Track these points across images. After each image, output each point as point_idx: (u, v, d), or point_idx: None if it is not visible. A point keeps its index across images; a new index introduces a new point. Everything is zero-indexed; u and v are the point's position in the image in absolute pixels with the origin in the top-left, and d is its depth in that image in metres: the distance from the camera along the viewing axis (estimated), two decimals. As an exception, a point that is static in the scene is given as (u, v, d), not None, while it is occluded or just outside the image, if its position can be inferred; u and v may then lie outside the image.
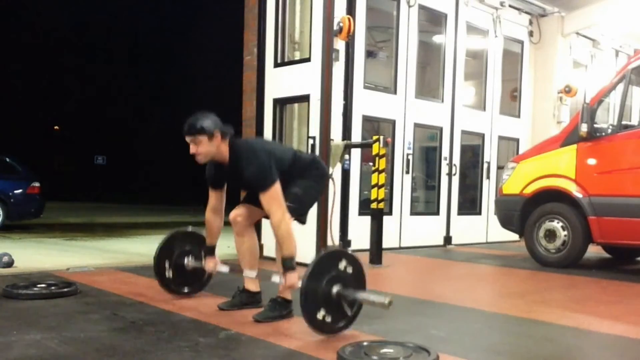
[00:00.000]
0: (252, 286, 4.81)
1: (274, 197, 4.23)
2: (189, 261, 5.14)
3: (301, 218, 4.63)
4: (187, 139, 4.32)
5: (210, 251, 4.88)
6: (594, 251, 9.04)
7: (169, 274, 5.15)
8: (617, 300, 5.93)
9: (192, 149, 4.33)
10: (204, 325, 4.22)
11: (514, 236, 8.91)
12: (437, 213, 10.37)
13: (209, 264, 4.89)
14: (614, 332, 4.49)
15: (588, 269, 7.85)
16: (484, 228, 11.10)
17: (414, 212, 9.95)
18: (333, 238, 7.79)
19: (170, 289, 5.20)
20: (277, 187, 4.24)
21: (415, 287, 6.71)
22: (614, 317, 5.02)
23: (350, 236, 8.70)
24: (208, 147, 4.31)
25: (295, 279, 4.10)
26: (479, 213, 11.10)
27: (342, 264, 4.12)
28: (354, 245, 8.61)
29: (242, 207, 4.69)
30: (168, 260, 5.15)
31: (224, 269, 4.89)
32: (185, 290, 5.27)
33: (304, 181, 4.58)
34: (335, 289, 4.00)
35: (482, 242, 10.97)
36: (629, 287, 6.69)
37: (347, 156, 8.21)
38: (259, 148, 4.39)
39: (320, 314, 3.95)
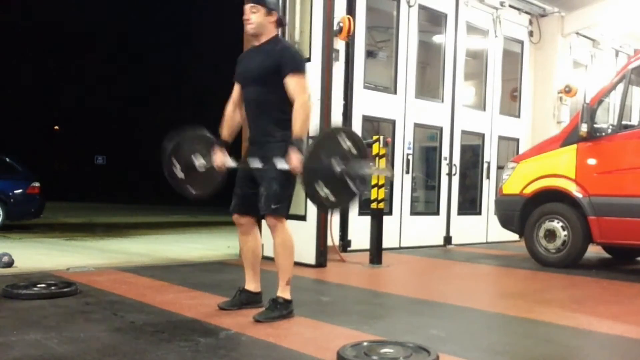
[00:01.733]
0: (252, 286, 4.80)
1: (302, 82, 4.35)
2: (199, 161, 4.64)
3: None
4: (247, 5, 4.49)
5: (222, 145, 4.62)
6: (594, 251, 9.04)
7: (180, 174, 4.65)
8: (617, 300, 5.93)
9: (247, 15, 4.48)
10: (204, 325, 4.22)
11: (514, 236, 8.91)
12: (437, 213, 10.37)
13: (217, 158, 4.54)
14: (614, 332, 4.47)
15: (588, 269, 7.85)
16: (484, 228, 11.10)
17: (414, 212, 9.96)
18: (333, 238, 7.80)
19: (182, 189, 4.73)
20: (307, 78, 4.43)
21: (416, 287, 6.72)
22: (614, 317, 5.00)
23: (350, 236, 8.71)
24: (261, 19, 4.45)
25: (298, 159, 4.09)
26: (479, 213, 11.09)
27: (346, 143, 4.07)
28: (354, 245, 8.65)
29: (242, 209, 4.66)
30: (179, 160, 4.65)
31: (232, 164, 4.59)
32: (194, 192, 4.76)
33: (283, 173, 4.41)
34: (338, 166, 3.98)
35: (483, 242, 10.97)
36: (630, 287, 6.69)
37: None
38: None
39: (323, 191, 3.97)
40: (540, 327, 4.57)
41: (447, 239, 10.40)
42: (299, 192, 7.52)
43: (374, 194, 7.58)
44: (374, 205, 7.61)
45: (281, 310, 4.44)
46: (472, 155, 11.26)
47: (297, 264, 7.21)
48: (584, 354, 4.02)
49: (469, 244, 10.59)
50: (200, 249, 9.55)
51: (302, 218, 7.43)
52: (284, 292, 4.49)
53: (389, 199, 9.25)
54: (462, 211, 10.72)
